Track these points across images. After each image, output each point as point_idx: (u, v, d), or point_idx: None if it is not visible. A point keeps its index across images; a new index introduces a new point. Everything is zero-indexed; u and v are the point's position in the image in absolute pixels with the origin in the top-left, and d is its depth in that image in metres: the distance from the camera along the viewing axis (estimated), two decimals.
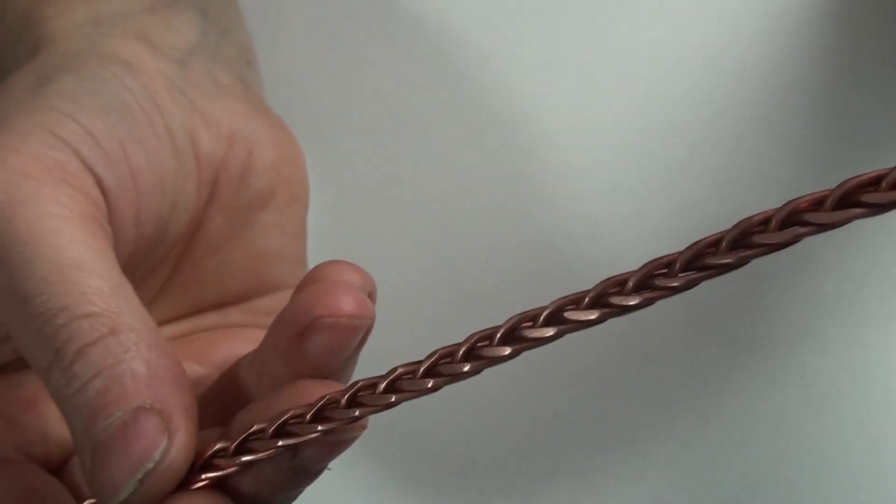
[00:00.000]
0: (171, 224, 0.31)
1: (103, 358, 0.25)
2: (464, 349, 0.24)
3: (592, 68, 0.38)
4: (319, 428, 0.25)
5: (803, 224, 0.22)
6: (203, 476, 0.25)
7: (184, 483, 0.25)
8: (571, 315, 0.24)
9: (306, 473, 0.26)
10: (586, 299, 0.24)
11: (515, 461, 0.40)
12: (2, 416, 0.30)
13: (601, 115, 0.38)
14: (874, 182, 0.22)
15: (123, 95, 0.30)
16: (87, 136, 0.28)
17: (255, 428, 0.25)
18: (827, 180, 0.36)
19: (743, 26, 0.37)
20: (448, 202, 0.39)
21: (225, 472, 0.25)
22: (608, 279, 0.24)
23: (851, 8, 0.36)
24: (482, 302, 0.39)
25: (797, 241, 0.23)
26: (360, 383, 0.25)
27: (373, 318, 0.26)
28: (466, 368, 0.24)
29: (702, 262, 0.23)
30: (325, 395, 0.25)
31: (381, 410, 0.25)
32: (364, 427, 0.26)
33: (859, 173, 0.22)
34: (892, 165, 0.22)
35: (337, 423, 0.25)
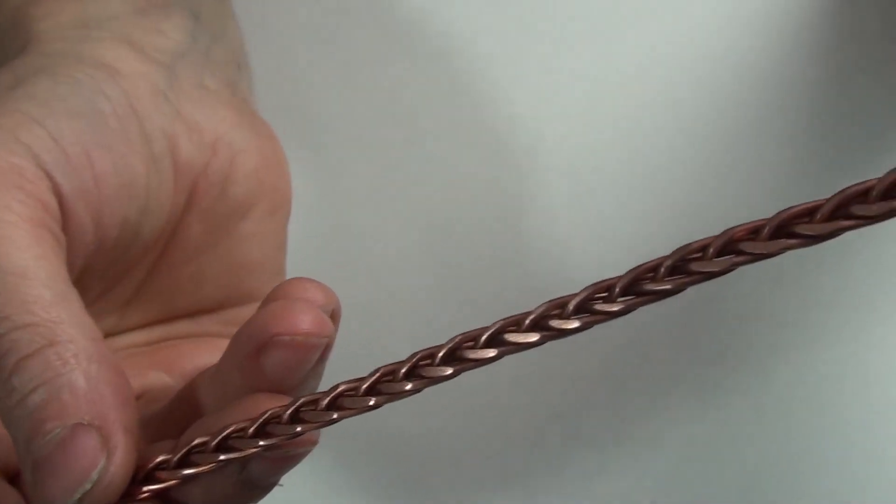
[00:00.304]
0: (143, 229, 0.31)
1: (42, 371, 0.25)
2: (405, 368, 0.24)
3: (587, 71, 0.38)
4: (261, 443, 0.25)
5: (739, 253, 0.23)
6: (144, 489, 0.25)
7: (126, 494, 0.25)
8: (512, 337, 0.24)
9: (256, 487, 0.26)
10: (527, 321, 0.24)
11: (515, 461, 0.39)
12: None
13: (595, 117, 0.38)
14: (808, 213, 0.22)
15: (97, 100, 0.30)
16: (50, 141, 0.28)
17: (196, 441, 0.25)
18: (826, 180, 0.37)
19: (741, 27, 0.37)
20: (441, 202, 0.39)
21: (166, 484, 0.25)
22: (550, 301, 0.24)
23: (850, 8, 0.36)
24: (470, 304, 0.39)
25: (733, 270, 0.23)
26: (302, 399, 0.25)
27: (331, 337, 0.26)
28: (408, 387, 0.24)
29: (641, 287, 0.23)
30: (268, 410, 0.25)
31: (323, 426, 0.25)
32: (314, 443, 0.26)
33: (794, 204, 0.22)
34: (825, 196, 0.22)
35: (278, 438, 0.25)
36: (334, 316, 0.27)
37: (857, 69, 0.37)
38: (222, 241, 0.33)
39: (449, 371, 0.24)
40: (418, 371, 0.24)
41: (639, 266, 0.23)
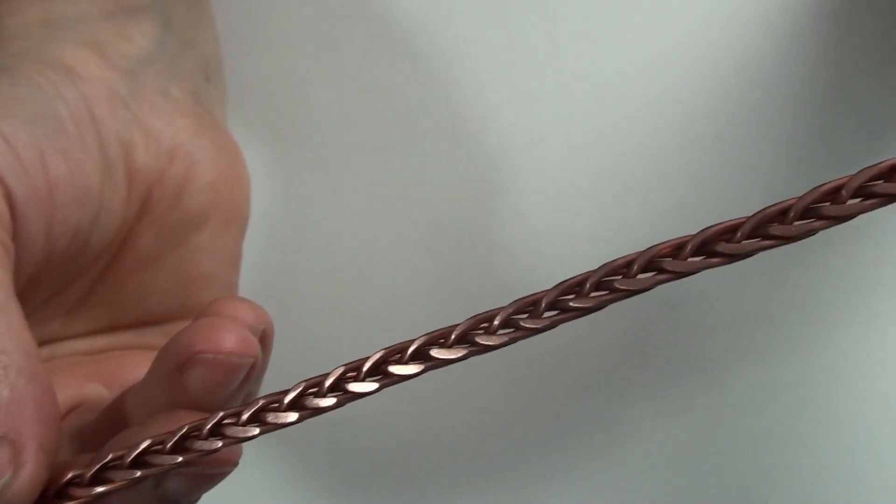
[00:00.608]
0: (94, 236, 0.31)
1: None
2: (330, 381, 0.24)
3: (583, 72, 0.38)
4: (179, 459, 0.24)
5: (662, 271, 0.24)
6: None
7: None
8: (437, 352, 0.24)
9: None
10: (453, 336, 0.24)
11: (515, 461, 0.39)
12: None
13: (590, 118, 0.38)
14: (730, 231, 0.23)
15: (55, 105, 0.30)
16: (3, 143, 0.28)
17: (111, 456, 0.25)
18: (823, 182, 0.37)
19: (737, 27, 0.38)
20: (420, 203, 0.38)
21: (78, 501, 0.24)
22: (476, 316, 0.24)
23: (850, 8, 0.37)
24: (445, 302, 0.38)
25: (656, 286, 0.24)
26: (222, 413, 0.25)
27: (257, 357, 0.26)
28: (332, 402, 0.24)
29: (565, 303, 0.24)
30: (186, 425, 0.25)
31: (243, 442, 0.24)
32: (234, 463, 0.25)
33: (719, 221, 0.23)
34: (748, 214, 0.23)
35: (196, 454, 0.24)
36: (265, 336, 0.27)
37: (856, 69, 0.37)
38: (173, 253, 0.32)
39: (374, 386, 0.24)
40: (343, 385, 0.24)
41: (565, 281, 0.24)
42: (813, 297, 0.38)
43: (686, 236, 0.23)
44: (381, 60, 0.38)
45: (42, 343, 0.32)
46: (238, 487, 0.32)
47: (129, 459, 0.24)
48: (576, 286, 0.24)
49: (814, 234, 0.23)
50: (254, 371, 0.26)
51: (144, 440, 0.25)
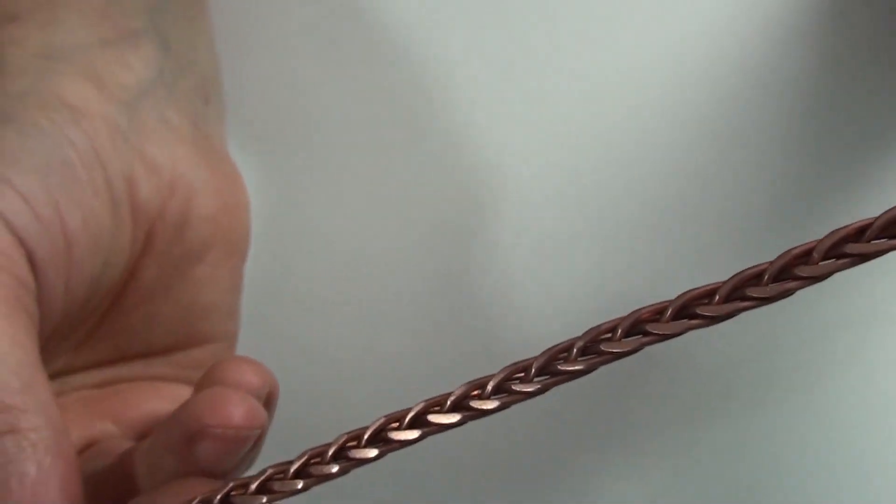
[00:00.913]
0: (104, 278, 0.31)
1: None
2: (332, 450, 0.25)
3: (571, 73, 0.38)
4: None
5: (645, 333, 0.24)
6: None
7: None
8: (434, 418, 0.25)
9: None
10: (448, 402, 0.25)
11: (515, 461, 0.39)
12: None
13: (578, 119, 0.38)
14: (707, 295, 0.24)
15: (64, 150, 0.30)
16: (22, 204, 0.28)
17: None
18: (824, 182, 0.37)
19: (736, 28, 0.37)
20: (419, 204, 0.38)
21: None
22: (470, 383, 0.25)
23: (850, 8, 0.37)
24: (444, 303, 0.38)
25: (642, 349, 0.25)
26: (232, 483, 0.26)
27: (264, 428, 0.27)
28: (335, 469, 0.25)
29: (554, 367, 0.25)
30: (196, 497, 0.26)
31: None
32: None
33: (697, 286, 0.24)
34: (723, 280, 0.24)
35: None
36: (270, 397, 0.28)
37: (856, 69, 0.37)
38: (176, 284, 0.33)
39: (374, 452, 0.25)
40: (345, 453, 0.25)
41: (552, 347, 0.25)
42: (817, 299, 0.37)
43: (665, 301, 0.24)
44: (381, 61, 0.38)
45: (51, 377, 0.32)
46: None
47: None
48: (563, 351, 0.25)
49: (791, 295, 0.24)
50: (262, 438, 0.27)
51: None
